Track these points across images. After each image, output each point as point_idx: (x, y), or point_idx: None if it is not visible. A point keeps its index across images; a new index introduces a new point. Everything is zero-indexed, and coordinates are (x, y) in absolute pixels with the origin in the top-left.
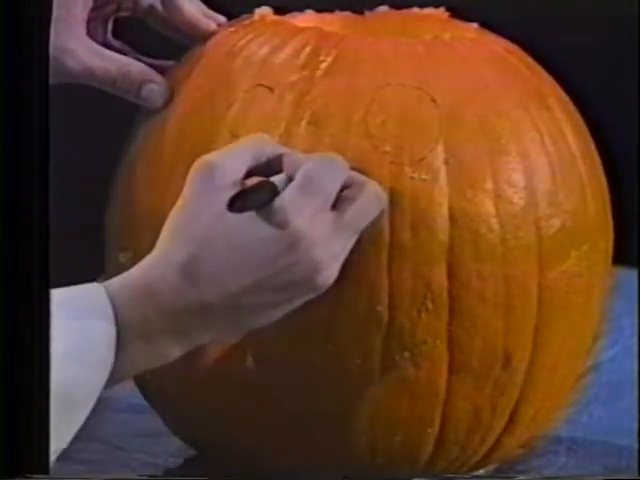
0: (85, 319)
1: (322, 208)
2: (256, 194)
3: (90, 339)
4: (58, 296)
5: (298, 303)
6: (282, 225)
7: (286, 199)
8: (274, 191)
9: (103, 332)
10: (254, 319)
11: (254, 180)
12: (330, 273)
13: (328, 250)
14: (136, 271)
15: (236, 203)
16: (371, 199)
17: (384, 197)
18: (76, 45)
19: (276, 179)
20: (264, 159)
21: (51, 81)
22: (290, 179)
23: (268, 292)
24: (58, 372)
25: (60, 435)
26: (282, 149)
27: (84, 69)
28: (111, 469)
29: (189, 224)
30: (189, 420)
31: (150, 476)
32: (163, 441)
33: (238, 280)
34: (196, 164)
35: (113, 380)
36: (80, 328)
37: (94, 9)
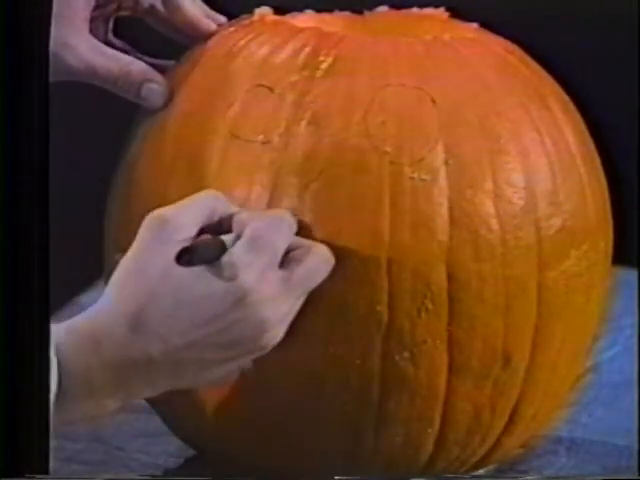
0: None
1: (270, 266)
2: (204, 249)
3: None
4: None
5: (242, 362)
6: (230, 280)
7: (234, 255)
8: (223, 248)
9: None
10: (197, 376)
11: (204, 237)
12: (276, 333)
13: (275, 309)
14: (83, 317)
15: (184, 257)
16: (320, 260)
17: (331, 260)
18: (78, 42)
19: (226, 237)
20: (216, 218)
21: (52, 78)
22: (238, 237)
23: (213, 349)
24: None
25: None
26: (233, 208)
27: (86, 66)
28: (111, 469)
29: (138, 276)
30: (189, 420)
31: (150, 476)
32: (163, 441)
33: (183, 335)
34: (149, 217)
35: (56, 425)
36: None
37: (96, 8)
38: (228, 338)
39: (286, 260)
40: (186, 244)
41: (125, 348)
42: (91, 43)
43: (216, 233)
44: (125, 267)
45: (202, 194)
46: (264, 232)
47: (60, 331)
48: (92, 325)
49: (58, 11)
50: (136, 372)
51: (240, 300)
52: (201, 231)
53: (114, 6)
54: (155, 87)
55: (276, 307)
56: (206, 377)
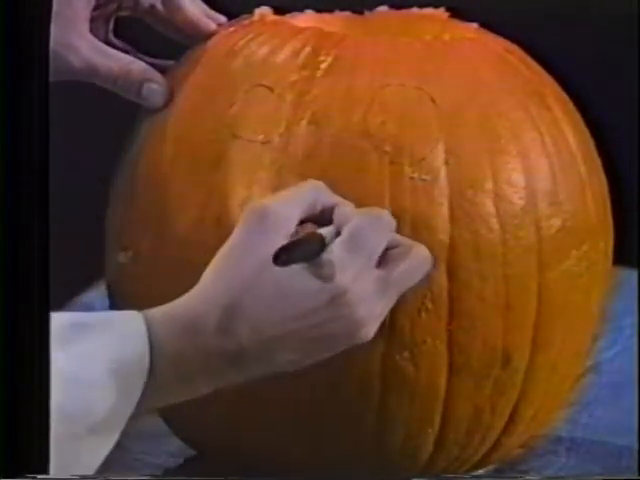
0: (120, 345)
1: (367, 266)
2: (302, 247)
3: (123, 366)
4: (96, 320)
5: (332, 354)
6: (327, 279)
7: (333, 254)
8: (322, 244)
9: (137, 360)
10: (286, 365)
11: (305, 228)
12: (368, 331)
13: (370, 308)
14: (178, 304)
15: (281, 257)
16: (419, 261)
17: (430, 260)
18: (79, 42)
19: (325, 231)
20: (319, 208)
21: (53, 78)
22: (338, 232)
23: (305, 342)
24: (86, 396)
25: (85, 461)
26: (336, 199)
27: (86, 66)
28: (111, 469)
29: (236, 267)
30: (189, 420)
31: (150, 476)
32: (163, 441)
33: (276, 328)
34: (250, 207)
35: (142, 410)
36: (114, 354)
37: (96, 7)
38: (321, 333)
39: (384, 259)
40: (287, 238)
41: (218, 337)
42: (92, 42)
43: (317, 223)
44: (223, 257)
45: (305, 185)
46: (364, 231)
47: (156, 315)
48: (188, 312)
49: (58, 10)
50: (228, 360)
51: (335, 298)
52: (302, 221)
53: (114, 6)
54: (155, 87)
55: (370, 306)
56: (294, 366)
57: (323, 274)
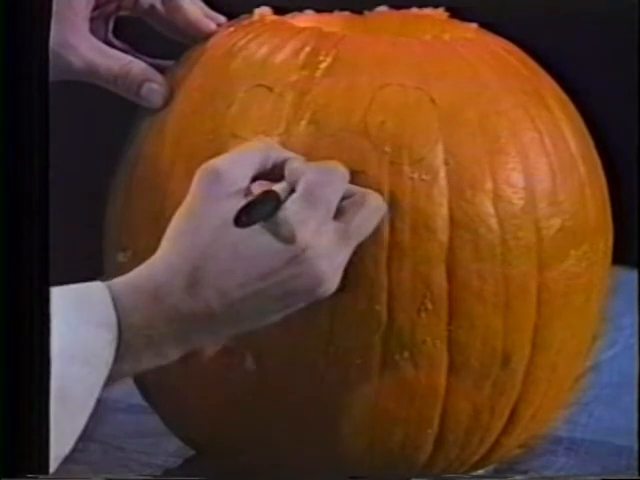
0: (86, 318)
1: (325, 219)
2: (260, 206)
3: (91, 339)
4: (59, 294)
5: (297, 308)
6: (286, 238)
7: (289, 211)
8: (278, 201)
9: (104, 333)
10: (253, 323)
11: (258, 187)
12: (332, 283)
13: (330, 262)
14: (141, 273)
15: (242, 218)
16: (373, 209)
17: (384, 207)
18: (78, 41)
19: (279, 188)
20: (270, 165)
21: (52, 77)
22: (292, 188)
23: (270, 300)
24: (56, 372)
25: (62, 439)
26: (287, 154)
27: (86, 66)
28: (111, 469)
29: (194, 231)
30: (189, 420)
31: (150, 476)
32: (162, 441)
33: (241, 288)
34: (202, 169)
35: (113, 378)
36: (80, 327)
37: (96, 7)
38: (285, 290)
39: (340, 210)
40: (241, 196)
41: (185, 302)
42: (91, 42)
43: (269, 179)
44: (180, 222)
45: (254, 143)
46: (319, 186)
47: (121, 285)
48: (152, 282)
49: (58, 10)
50: (196, 324)
51: (297, 257)
52: (254, 179)
53: (114, 6)
54: (155, 87)
55: (331, 259)
56: (262, 324)
57: (281, 233)
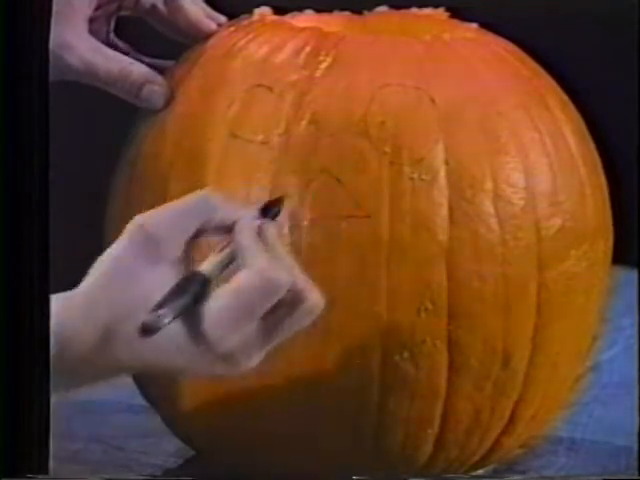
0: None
1: (249, 321)
2: (179, 300)
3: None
4: None
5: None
6: (203, 334)
7: (213, 307)
8: (204, 285)
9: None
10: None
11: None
12: (243, 369)
13: (247, 357)
14: (59, 304)
15: (151, 325)
16: (306, 311)
17: (321, 307)
18: (78, 42)
19: (209, 265)
20: (212, 225)
21: (52, 78)
22: (232, 257)
23: (178, 371)
24: None
25: None
26: (233, 211)
27: (85, 66)
28: (111, 469)
29: (116, 287)
30: (189, 420)
31: (150, 476)
32: (162, 441)
33: (152, 352)
34: (134, 224)
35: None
36: None
37: (97, 7)
38: (194, 370)
39: (273, 307)
40: (172, 265)
41: (95, 353)
42: (91, 43)
43: (214, 234)
44: (107, 271)
45: (194, 198)
46: (254, 294)
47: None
48: (63, 324)
49: (58, 10)
50: (107, 368)
51: (212, 351)
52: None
53: (116, 5)
54: (156, 89)
55: (248, 355)
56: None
57: (198, 329)
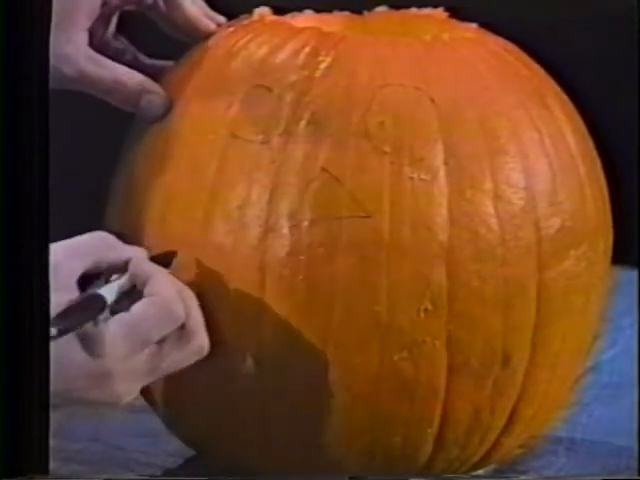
0: None
1: (140, 349)
2: (78, 315)
3: None
4: None
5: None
6: (95, 355)
7: (109, 332)
8: (101, 307)
9: None
10: None
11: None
12: (123, 401)
13: (130, 386)
14: None
15: (58, 323)
16: (193, 353)
17: (206, 350)
18: (74, 53)
19: (108, 290)
20: (105, 264)
21: (51, 86)
22: (133, 285)
23: (58, 398)
24: None
25: None
26: (125, 250)
27: (81, 76)
28: (111, 469)
29: None
30: (188, 420)
31: (150, 476)
32: (163, 441)
33: (52, 389)
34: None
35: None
36: None
37: (102, 5)
38: (76, 397)
39: (161, 338)
40: (67, 293)
41: None
42: (87, 53)
43: (107, 270)
44: None
45: (90, 236)
46: (149, 322)
47: None
48: None
49: (57, 23)
50: None
51: (99, 376)
52: (89, 275)
53: (118, 3)
54: (154, 98)
55: (131, 384)
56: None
57: (92, 350)
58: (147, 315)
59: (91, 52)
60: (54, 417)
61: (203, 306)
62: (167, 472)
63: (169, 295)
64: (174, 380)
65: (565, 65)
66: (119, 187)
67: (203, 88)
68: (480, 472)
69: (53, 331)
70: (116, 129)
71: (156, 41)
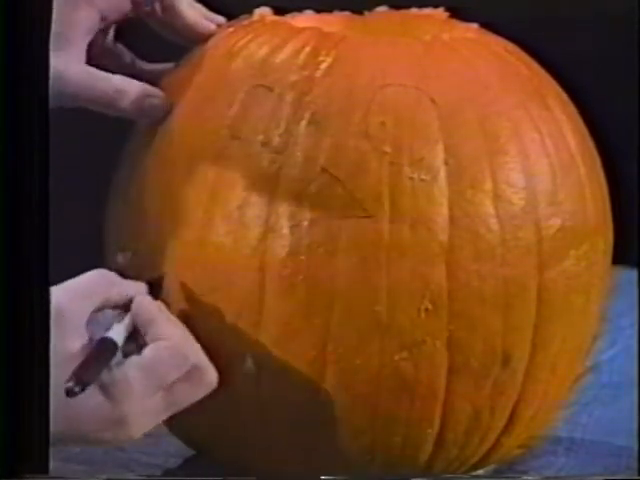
0: None
1: (154, 392)
2: (95, 366)
3: None
4: None
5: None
6: (111, 404)
7: (123, 378)
8: (113, 350)
9: None
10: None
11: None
12: (133, 438)
13: (142, 426)
14: None
15: (74, 389)
16: (202, 388)
17: (214, 384)
18: (71, 71)
19: (116, 332)
20: (112, 302)
21: (51, 105)
22: (132, 327)
23: (71, 442)
24: None
25: None
26: (127, 286)
27: (81, 92)
28: (110, 469)
29: None
30: (189, 421)
31: (149, 476)
32: (162, 441)
33: (59, 429)
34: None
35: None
36: None
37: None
38: (90, 438)
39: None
40: (77, 338)
41: None
42: (85, 69)
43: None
44: None
45: (92, 274)
46: (163, 366)
47: None
48: None
49: (55, 43)
50: None
51: (116, 422)
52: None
53: (116, 17)
54: (156, 102)
55: (144, 424)
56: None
57: (109, 393)
58: (162, 359)
59: (89, 68)
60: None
61: (203, 307)
62: (167, 472)
63: (179, 338)
64: None
65: (565, 65)
66: (120, 187)
67: (203, 88)
68: (480, 472)
69: (77, 389)
70: (116, 129)
71: (154, 45)
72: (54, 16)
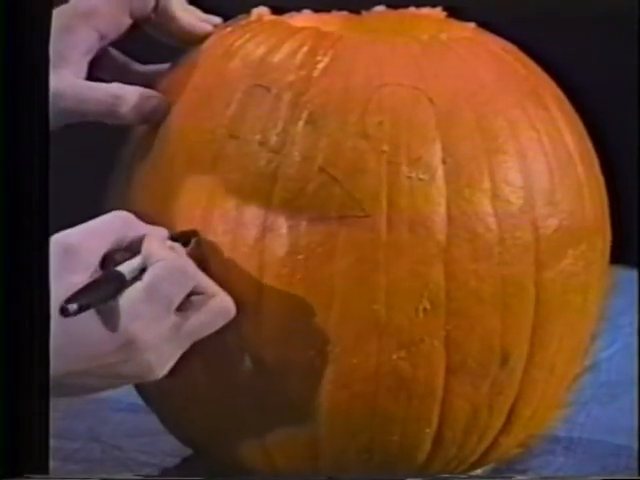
0: None
1: (161, 314)
2: (99, 290)
3: None
4: None
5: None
6: (117, 329)
7: (127, 302)
8: (121, 284)
9: None
10: (76, 394)
11: (108, 261)
12: (159, 372)
13: (159, 354)
14: None
15: (67, 308)
16: (216, 313)
17: (232, 311)
18: (67, 87)
19: (128, 267)
20: (126, 242)
21: (52, 126)
22: (144, 267)
23: (95, 378)
24: None
25: None
26: (145, 229)
27: (80, 104)
28: (109, 469)
29: None
30: (186, 420)
31: (147, 476)
32: (160, 440)
33: (66, 366)
34: (54, 242)
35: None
36: None
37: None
38: (110, 373)
39: (184, 304)
40: (87, 274)
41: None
42: (82, 83)
43: (124, 255)
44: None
45: (110, 216)
46: (164, 282)
47: None
48: None
49: (55, 61)
50: None
51: (125, 346)
52: (108, 253)
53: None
54: (156, 102)
55: (160, 352)
56: (85, 394)
57: (113, 323)
58: (161, 276)
59: (85, 81)
60: (53, 417)
61: None
62: (165, 471)
63: (176, 257)
64: (171, 379)
65: (565, 65)
66: (117, 187)
67: (201, 88)
68: (478, 471)
69: (74, 307)
70: (115, 129)
71: (148, 47)
72: (52, 38)
